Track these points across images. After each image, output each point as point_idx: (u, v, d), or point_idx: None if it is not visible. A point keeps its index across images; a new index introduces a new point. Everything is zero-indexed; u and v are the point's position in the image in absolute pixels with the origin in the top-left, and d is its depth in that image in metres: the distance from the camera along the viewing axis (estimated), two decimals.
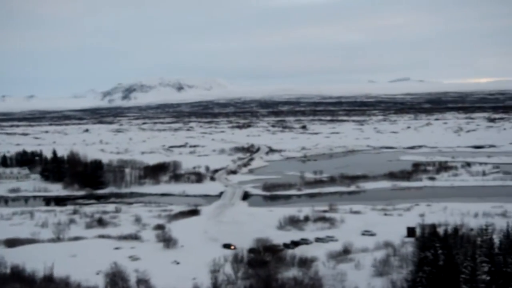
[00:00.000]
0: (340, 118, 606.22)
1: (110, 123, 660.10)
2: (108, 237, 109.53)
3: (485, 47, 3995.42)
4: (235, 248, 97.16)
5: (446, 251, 60.48)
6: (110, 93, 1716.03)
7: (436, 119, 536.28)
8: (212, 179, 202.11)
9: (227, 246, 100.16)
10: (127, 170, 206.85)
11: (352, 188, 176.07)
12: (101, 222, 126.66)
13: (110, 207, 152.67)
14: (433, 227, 72.00)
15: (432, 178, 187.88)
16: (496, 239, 59.90)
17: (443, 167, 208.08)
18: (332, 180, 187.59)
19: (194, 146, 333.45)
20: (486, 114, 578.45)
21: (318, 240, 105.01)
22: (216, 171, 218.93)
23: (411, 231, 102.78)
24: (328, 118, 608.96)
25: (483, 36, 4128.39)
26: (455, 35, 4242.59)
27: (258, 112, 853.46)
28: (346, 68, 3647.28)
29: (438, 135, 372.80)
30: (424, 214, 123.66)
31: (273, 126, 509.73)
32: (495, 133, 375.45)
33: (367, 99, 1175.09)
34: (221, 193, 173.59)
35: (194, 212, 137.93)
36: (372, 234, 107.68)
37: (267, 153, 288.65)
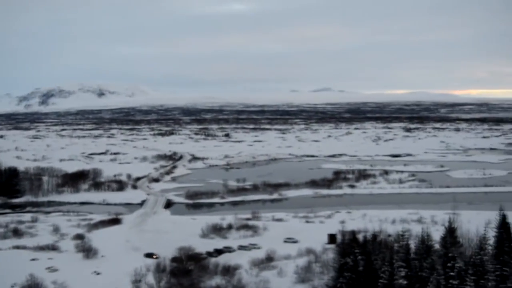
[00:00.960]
0: (263, 126, 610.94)
1: (27, 129, 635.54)
2: (24, 248, 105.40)
3: (402, 59, 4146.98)
4: (157, 257, 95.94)
5: (365, 257, 62.21)
6: (27, 98, 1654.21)
7: (356, 128, 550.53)
8: (134, 187, 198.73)
9: (149, 255, 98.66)
10: (45, 178, 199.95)
11: (275, 196, 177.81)
12: (16, 233, 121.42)
13: (26, 216, 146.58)
14: (353, 233, 74.09)
15: (352, 186, 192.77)
16: (412, 244, 62.19)
17: (362, 175, 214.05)
18: (255, 188, 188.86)
19: (116, 153, 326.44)
20: (403, 124, 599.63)
21: (241, 248, 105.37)
22: (138, 179, 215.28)
23: (332, 238, 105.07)
24: (251, 126, 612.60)
25: (401, 49, 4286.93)
26: (374, 47, 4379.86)
27: (181, 119, 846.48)
28: (270, 77, 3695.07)
29: (357, 144, 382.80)
30: (344, 221, 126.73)
31: (196, 133, 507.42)
32: (411, 142, 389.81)
33: (289, 108, 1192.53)
34: (143, 201, 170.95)
35: (115, 221, 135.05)
36: (295, 241, 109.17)
37: (190, 161, 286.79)
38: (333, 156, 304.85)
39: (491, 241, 59.34)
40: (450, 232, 60.93)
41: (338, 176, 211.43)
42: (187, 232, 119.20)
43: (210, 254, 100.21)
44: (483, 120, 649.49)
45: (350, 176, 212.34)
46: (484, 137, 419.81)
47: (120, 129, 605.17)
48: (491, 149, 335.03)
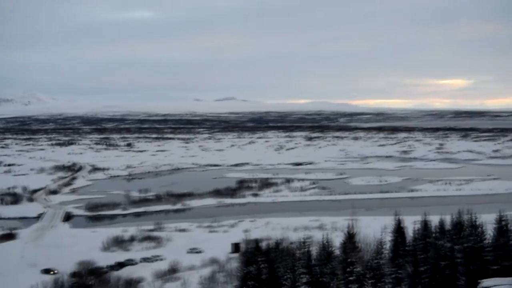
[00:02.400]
0: (166, 136, 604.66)
1: None
2: None
3: (304, 70, 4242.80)
4: (55, 273, 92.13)
5: (268, 265, 62.77)
6: None
7: (259, 138, 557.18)
8: (31, 200, 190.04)
9: (47, 271, 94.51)
10: None
11: (179, 206, 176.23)
12: None
13: None
14: (256, 242, 74.52)
15: (255, 195, 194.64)
16: (314, 251, 63.42)
17: (265, 183, 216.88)
18: (158, 199, 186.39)
19: (10, 164, 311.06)
20: (304, 133, 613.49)
21: (144, 260, 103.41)
22: (35, 191, 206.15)
23: (236, 247, 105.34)
24: (154, 135, 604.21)
25: (302, 59, 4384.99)
26: (277, 57, 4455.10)
27: (81, 129, 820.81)
28: (173, 86, 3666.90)
29: (261, 152, 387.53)
30: (248, 229, 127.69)
31: (97, 143, 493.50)
32: (313, 151, 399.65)
33: (193, 117, 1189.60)
34: (41, 214, 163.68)
35: (9, 236, 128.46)
36: (199, 252, 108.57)
37: (90, 171, 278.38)
38: (237, 165, 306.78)
39: (388, 245, 61.64)
40: (350, 237, 62.62)
41: (242, 185, 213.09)
42: (88, 246, 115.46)
43: (111, 267, 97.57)
44: (379, 129, 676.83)
45: (253, 185, 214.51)
46: (380, 145, 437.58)
47: (15, 139, 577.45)
48: (387, 156, 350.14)
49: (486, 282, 42.26)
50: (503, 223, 53.71)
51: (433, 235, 56.36)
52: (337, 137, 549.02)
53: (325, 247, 61.82)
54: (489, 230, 54.37)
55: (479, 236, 52.45)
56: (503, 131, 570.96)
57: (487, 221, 56.48)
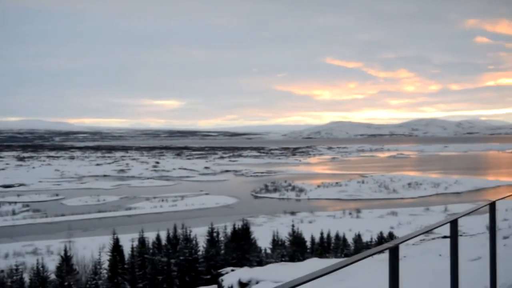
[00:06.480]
0: None
1: None
2: None
3: (15, 86, 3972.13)
4: None
5: None
6: None
7: None
8: None
9: None
10: None
11: None
12: None
13: None
14: None
15: None
16: (27, 278, 60.17)
17: None
18: None
19: None
20: (15, 153, 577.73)
21: None
22: None
23: None
24: None
25: (13, 75, 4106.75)
26: None
27: None
28: None
29: None
30: None
31: None
32: (25, 172, 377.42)
33: None
34: None
35: None
36: None
37: None
38: None
39: (106, 264, 61.48)
40: (66, 260, 60.85)
41: None
42: None
43: None
44: (96, 148, 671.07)
45: None
46: (97, 164, 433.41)
47: None
48: (104, 176, 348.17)
49: None
50: (214, 234, 58.20)
51: (150, 251, 58.19)
52: (52, 156, 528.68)
53: (40, 273, 59.11)
54: (202, 242, 58.32)
55: (193, 248, 55.90)
56: (213, 149, 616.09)
57: (200, 233, 60.48)
